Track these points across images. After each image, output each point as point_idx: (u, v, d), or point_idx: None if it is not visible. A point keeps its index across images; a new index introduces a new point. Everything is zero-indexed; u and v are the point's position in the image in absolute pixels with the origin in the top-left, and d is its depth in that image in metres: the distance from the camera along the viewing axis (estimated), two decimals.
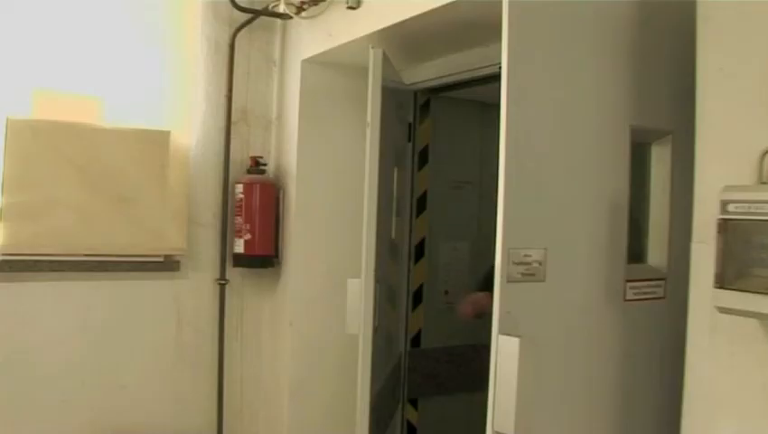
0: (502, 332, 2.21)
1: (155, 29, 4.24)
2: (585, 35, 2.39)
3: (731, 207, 1.92)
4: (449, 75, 3.97)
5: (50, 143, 3.92)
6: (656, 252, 2.56)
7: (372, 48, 3.47)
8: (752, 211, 1.88)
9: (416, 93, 4.34)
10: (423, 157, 4.44)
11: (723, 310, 1.93)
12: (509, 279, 2.24)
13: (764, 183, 1.94)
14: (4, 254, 3.87)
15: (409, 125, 4.38)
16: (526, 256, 2.28)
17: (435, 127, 4.45)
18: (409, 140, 4.37)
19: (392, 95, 3.87)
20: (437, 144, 4.44)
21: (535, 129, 2.30)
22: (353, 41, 3.79)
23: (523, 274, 2.28)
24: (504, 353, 2.19)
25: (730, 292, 1.90)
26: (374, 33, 3.62)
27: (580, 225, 2.38)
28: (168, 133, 4.25)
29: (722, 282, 1.93)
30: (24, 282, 3.97)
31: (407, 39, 3.70)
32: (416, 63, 4.13)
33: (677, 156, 2.46)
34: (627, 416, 2.46)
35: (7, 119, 3.82)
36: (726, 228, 1.92)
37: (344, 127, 4.35)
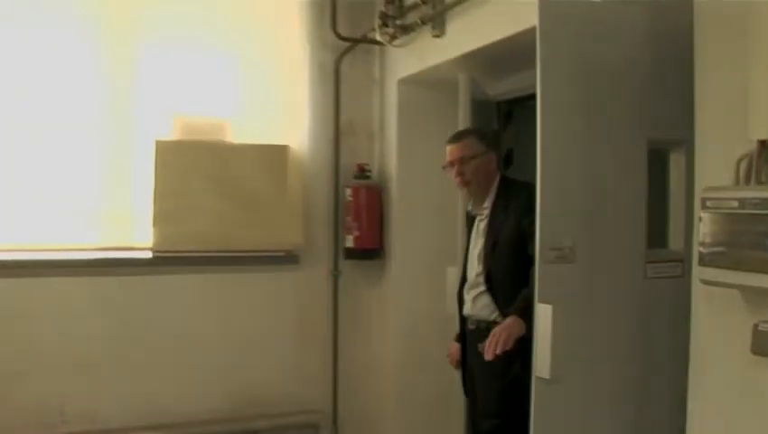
0: (540, 301, 2.77)
1: (271, 59, 4.97)
2: (606, 62, 2.90)
3: (708, 203, 2.40)
4: (527, 87, 4.47)
5: (189, 159, 4.71)
6: (675, 238, 3.03)
7: (460, 74, 4.07)
8: (722, 206, 2.35)
9: (498, 103, 4.85)
10: (507, 160, 4.93)
11: (704, 282, 2.41)
12: (545, 261, 2.80)
13: (737, 183, 2.39)
14: (156, 251, 4.70)
15: (495, 131, 4.89)
16: (559, 243, 2.83)
17: (518, 133, 4.94)
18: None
19: (478, 107, 4.46)
20: (519, 148, 4.94)
21: (565, 143, 2.84)
22: (440, 63, 4.37)
23: (557, 257, 2.83)
24: (541, 316, 2.77)
25: (708, 268, 2.38)
26: (458, 58, 4.19)
27: (604, 218, 2.89)
28: (286, 147, 4.96)
29: (702, 261, 2.41)
30: (172, 274, 4.79)
31: (487, 60, 4.23)
32: (498, 77, 4.65)
33: (690, 160, 2.91)
34: (644, 370, 2.95)
35: (156, 141, 4.64)
36: (704, 220, 2.40)
37: (437, 136, 4.87)
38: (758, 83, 2.29)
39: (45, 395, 4.49)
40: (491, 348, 3.14)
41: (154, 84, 4.72)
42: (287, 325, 5.02)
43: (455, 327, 3.88)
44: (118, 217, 4.70)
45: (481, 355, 3.25)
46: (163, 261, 4.77)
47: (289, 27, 5.00)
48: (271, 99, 4.99)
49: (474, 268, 3.61)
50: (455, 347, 3.83)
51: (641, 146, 2.95)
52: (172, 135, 4.72)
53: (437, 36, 4.28)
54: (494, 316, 3.45)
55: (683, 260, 2.96)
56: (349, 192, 5.06)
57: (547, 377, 2.74)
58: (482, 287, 3.52)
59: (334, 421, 5.13)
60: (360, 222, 5.01)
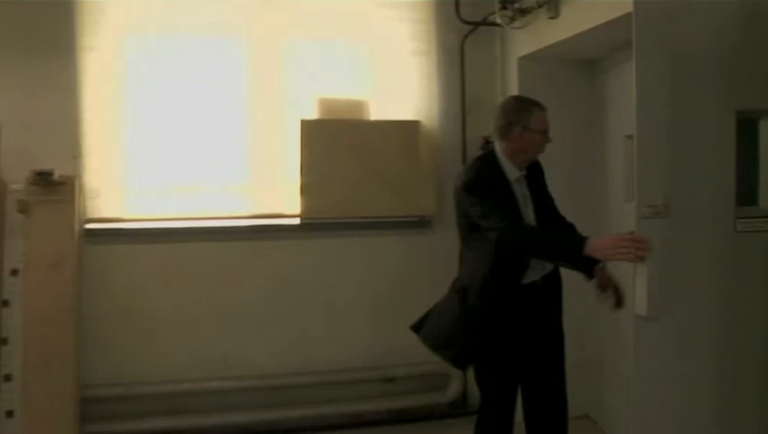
0: None
1: (402, 43, 5.48)
2: (696, 38, 3.26)
3: None
4: None
5: (331, 136, 5.27)
6: (765, 197, 3.37)
7: None
8: None
9: None
10: None
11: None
12: (642, 216, 3.22)
13: None
14: (304, 218, 5.31)
15: None
16: (654, 201, 3.23)
17: None
18: None
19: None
20: None
21: (659, 113, 3.23)
22: (556, 42, 4.75)
23: (652, 213, 3.23)
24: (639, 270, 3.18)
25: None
26: (572, 37, 4.56)
27: (695, 180, 3.28)
28: (418, 122, 5.46)
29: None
30: (317, 239, 5.41)
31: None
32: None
33: None
34: (730, 309, 3.34)
35: (301, 121, 5.23)
36: None
37: (555, 109, 5.20)
38: None
39: (211, 344, 5.20)
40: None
41: (298, 71, 5.32)
42: (420, 283, 5.48)
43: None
44: (270, 188, 5.34)
45: (552, 301, 3.61)
46: (310, 227, 5.37)
47: (418, 13, 5.48)
48: (403, 79, 5.49)
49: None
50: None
51: (730, 115, 3.30)
52: (315, 115, 5.29)
53: (552, 18, 4.65)
54: (550, 268, 3.57)
55: None
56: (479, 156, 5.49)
57: (644, 315, 3.16)
58: None
59: (464, 370, 5.60)
60: None
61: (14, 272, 4.60)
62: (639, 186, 3.26)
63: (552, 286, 3.62)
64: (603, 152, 5.23)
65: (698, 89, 3.31)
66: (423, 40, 5.50)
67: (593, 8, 4.21)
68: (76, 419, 4.58)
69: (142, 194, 5.10)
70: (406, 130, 5.44)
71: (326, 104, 5.30)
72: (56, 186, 4.65)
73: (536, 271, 3.52)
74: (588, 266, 3.35)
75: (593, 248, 3.06)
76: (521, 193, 3.60)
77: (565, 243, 3.31)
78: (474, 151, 5.49)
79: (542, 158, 5.04)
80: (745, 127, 3.36)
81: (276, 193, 5.35)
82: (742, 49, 3.31)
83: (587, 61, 5.23)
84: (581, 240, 3.14)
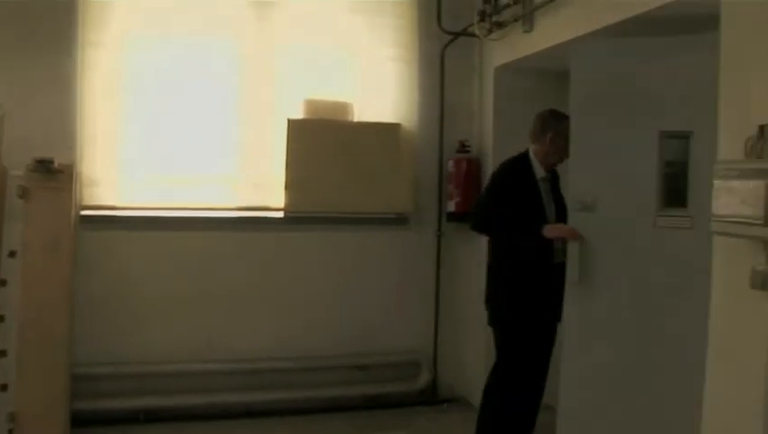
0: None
1: (386, 50, 5.78)
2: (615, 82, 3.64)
3: (719, 172, 3.08)
4: None
5: (316, 135, 5.57)
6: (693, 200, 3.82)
7: None
8: (729, 174, 3.03)
9: None
10: None
11: (716, 233, 3.12)
12: (573, 209, 4.04)
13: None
14: (288, 212, 5.59)
15: None
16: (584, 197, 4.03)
17: None
18: None
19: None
20: None
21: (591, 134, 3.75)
22: (530, 54, 5.06)
23: (581, 207, 4.08)
24: (571, 246, 4.01)
25: (717, 222, 3.08)
26: (544, 50, 4.87)
27: (623, 184, 4.01)
28: (398, 125, 5.77)
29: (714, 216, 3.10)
30: (300, 232, 5.70)
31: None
32: None
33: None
34: (640, 285, 3.94)
35: (288, 120, 5.52)
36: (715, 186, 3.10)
37: (528, 116, 5.52)
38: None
39: (196, 328, 5.47)
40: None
41: (287, 73, 5.62)
42: (396, 277, 5.83)
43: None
44: (257, 183, 5.63)
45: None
46: (293, 221, 5.67)
47: (402, 22, 5.78)
48: (386, 83, 5.80)
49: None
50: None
51: (654, 134, 3.92)
52: (302, 115, 5.57)
53: (527, 31, 4.96)
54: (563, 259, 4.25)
55: (692, 217, 3.78)
56: (451, 164, 5.78)
57: (572, 281, 3.95)
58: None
59: (434, 360, 5.91)
60: (461, 190, 5.71)
61: (12, 254, 4.82)
62: (571, 186, 4.11)
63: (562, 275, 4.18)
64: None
65: (628, 115, 3.99)
66: (406, 47, 5.80)
67: (565, 24, 4.54)
68: (67, 395, 4.82)
69: (136, 184, 5.37)
70: (387, 132, 5.74)
71: (312, 105, 5.59)
72: (55, 174, 4.87)
73: (560, 254, 4.23)
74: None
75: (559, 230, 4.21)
76: (545, 190, 4.40)
77: (528, 232, 4.26)
78: (451, 153, 5.81)
79: None
80: (680, 144, 3.88)
81: (262, 187, 5.64)
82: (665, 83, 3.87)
83: (562, 72, 5.52)
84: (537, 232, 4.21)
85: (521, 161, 4.42)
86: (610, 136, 4.05)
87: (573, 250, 4.10)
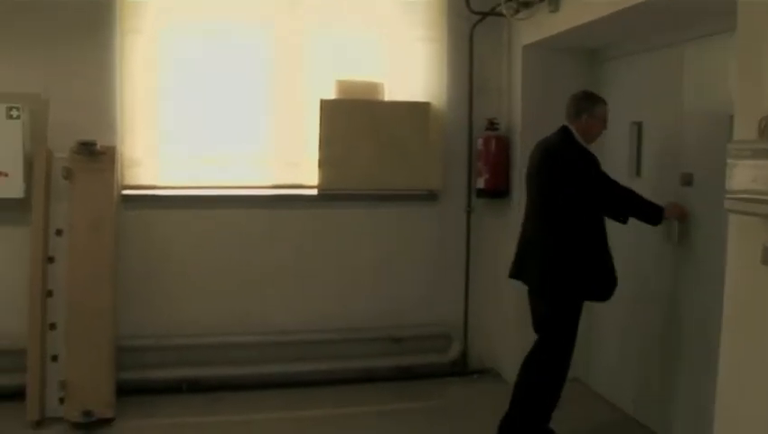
0: None
1: (416, 30, 5.88)
2: None
3: (732, 152, 3.18)
4: None
5: (348, 114, 5.71)
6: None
7: None
8: (740, 153, 3.13)
9: None
10: None
11: (729, 210, 3.22)
12: None
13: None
14: (321, 189, 5.76)
15: None
16: None
17: None
18: None
19: None
20: None
21: None
22: (557, 33, 5.14)
23: None
24: None
25: (730, 201, 3.18)
26: (570, 29, 4.95)
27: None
28: (428, 103, 5.88)
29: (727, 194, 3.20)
30: (333, 209, 5.87)
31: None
32: None
33: None
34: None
35: (321, 100, 5.66)
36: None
37: (555, 94, 5.56)
38: None
39: (234, 302, 5.69)
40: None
41: (319, 55, 5.76)
42: (428, 252, 5.96)
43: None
44: (291, 162, 5.79)
45: None
46: (327, 198, 5.84)
47: (430, 2, 5.88)
48: (416, 63, 5.90)
49: None
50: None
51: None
52: (334, 95, 5.72)
53: (553, 11, 5.03)
54: None
55: None
56: (480, 141, 5.88)
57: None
58: None
59: (465, 333, 6.06)
60: (490, 167, 5.82)
61: (59, 232, 5.07)
62: None
63: None
64: (605, 134, 5.57)
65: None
66: (435, 27, 5.89)
67: (590, 3, 4.59)
68: (112, 366, 5.07)
69: (175, 165, 5.57)
70: (417, 111, 5.85)
71: (344, 85, 5.73)
72: (97, 156, 5.11)
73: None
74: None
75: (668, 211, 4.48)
76: None
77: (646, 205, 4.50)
78: (480, 131, 5.90)
79: (535, 138, 5.53)
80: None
81: (296, 165, 5.80)
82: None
83: (589, 50, 5.62)
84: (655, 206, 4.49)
85: (571, 139, 4.50)
86: None
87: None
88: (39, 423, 4.86)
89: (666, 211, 4.47)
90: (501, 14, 5.52)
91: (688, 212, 4.51)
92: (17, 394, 4.95)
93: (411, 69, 5.90)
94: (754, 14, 3.22)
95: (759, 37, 3.17)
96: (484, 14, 5.79)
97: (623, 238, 5.28)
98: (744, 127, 3.26)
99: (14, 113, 5.04)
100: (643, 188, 4.96)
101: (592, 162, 4.44)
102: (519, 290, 4.79)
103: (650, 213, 4.50)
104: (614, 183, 4.58)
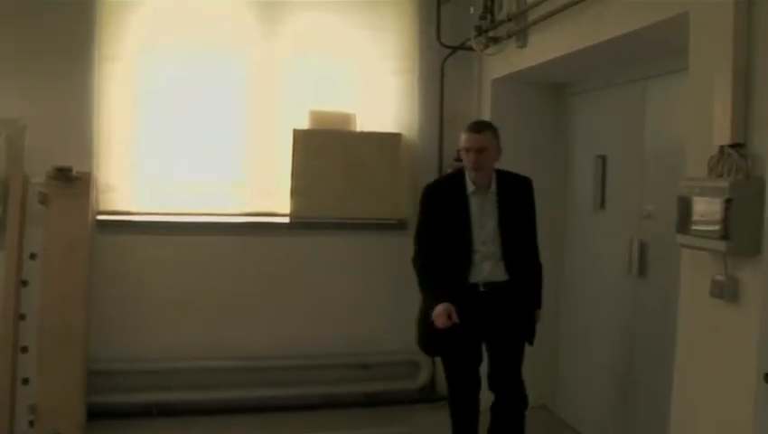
0: None
1: (387, 63, 6.03)
2: None
3: (684, 188, 3.33)
4: None
5: (320, 145, 5.82)
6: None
7: None
8: (691, 190, 3.28)
9: None
10: None
11: (681, 245, 3.37)
12: None
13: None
14: (294, 217, 5.86)
15: None
16: None
17: None
18: None
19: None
20: None
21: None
22: (525, 68, 5.30)
23: None
24: None
25: (682, 236, 3.32)
26: (537, 65, 5.12)
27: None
28: (399, 135, 6.01)
29: (679, 229, 3.35)
30: (306, 237, 5.96)
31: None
32: None
33: None
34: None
35: (293, 130, 5.78)
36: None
37: (524, 126, 5.80)
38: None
39: (205, 328, 5.74)
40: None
41: (293, 85, 5.89)
42: (396, 279, 5.97)
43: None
44: (264, 190, 5.89)
45: (496, 304, 4.14)
46: (298, 226, 5.93)
47: (403, 36, 6.04)
48: (388, 95, 6.04)
49: (490, 240, 4.17)
50: (447, 306, 4.04)
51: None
52: (307, 125, 5.84)
53: (521, 47, 5.21)
54: (506, 277, 4.18)
55: None
56: (450, 171, 6.02)
57: None
58: (500, 258, 4.18)
59: (433, 360, 6.01)
60: None
61: (33, 256, 5.11)
62: None
63: (499, 294, 4.17)
64: (569, 168, 5.78)
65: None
66: (407, 60, 6.05)
67: (556, 41, 4.77)
68: (84, 389, 5.11)
69: (150, 191, 5.66)
70: (388, 141, 5.98)
71: (317, 116, 5.86)
72: (73, 181, 5.17)
73: (478, 273, 4.18)
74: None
75: (435, 312, 4.04)
76: (479, 205, 4.22)
77: (430, 295, 4.17)
78: (450, 161, 6.03)
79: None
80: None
81: (268, 194, 5.90)
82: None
83: (556, 84, 5.79)
84: (437, 301, 4.07)
85: (454, 175, 4.46)
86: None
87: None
88: None
89: (435, 312, 4.05)
90: (470, 49, 5.66)
91: (451, 320, 4.02)
92: None
93: (383, 100, 6.04)
94: (704, 54, 3.39)
95: (709, 76, 3.33)
96: (455, 48, 5.95)
97: (585, 267, 5.47)
98: (695, 164, 3.42)
99: None
100: (608, 220, 5.15)
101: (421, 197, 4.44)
102: None
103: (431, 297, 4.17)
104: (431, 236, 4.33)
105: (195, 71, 5.73)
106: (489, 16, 5.41)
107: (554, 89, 5.82)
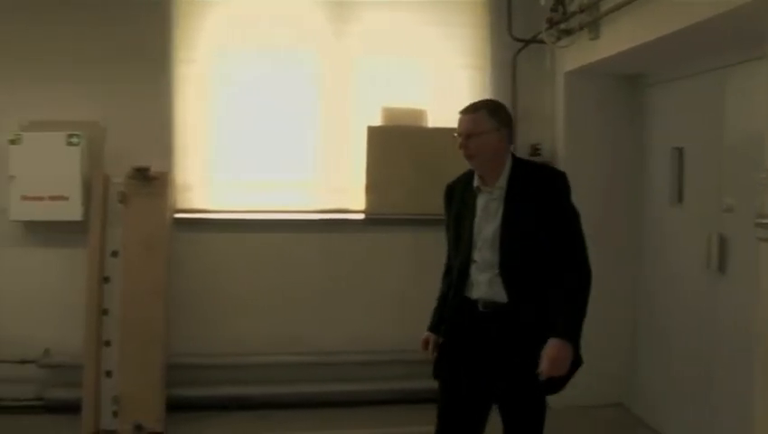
0: None
1: (459, 58, 6.02)
2: None
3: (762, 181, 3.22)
4: None
5: (393, 141, 5.85)
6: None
7: None
8: None
9: None
10: None
11: (760, 239, 3.26)
12: None
13: None
14: (368, 214, 5.90)
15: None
16: None
17: None
18: None
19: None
20: None
21: None
22: (597, 60, 5.21)
23: None
24: None
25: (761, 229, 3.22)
26: (611, 56, 5.01)
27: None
28: None
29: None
30: (380, 233, 5.99)
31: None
32: None
33: None
34: None
35: (367, 127, 5.83)
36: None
37: (599, 120, 5.73)
38: None
39: (279, 323, 5.86)
40: (549, 372, 3.06)
41: (366, 83, 5.95)
42: None
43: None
44: (338, 187, 5.97)
45: (499, 333, 3.19)
46: (373, 222, 5.96)
47: (474, 31, 6.02)
48: (459, 90, 5.99)
49: (487, 247, 3.27)
50: (427, 336, 3.62)
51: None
52: (380, 122, 5.88)
53: (593, 39, 5.11)
54: (506, 299, 3.21)
55: None
56: None
57: None
58: (497, 270, 3.22)
59: None
60: None
61: (114, 253, 5.32)
62: None
63: (501, 320, 3.22)
64: (644, 160, 5.66)
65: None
66: (478, 55, 6.03)
67: (629, 30, 4.66)
68: (163, 382, 5.28)
69: (224, 189, 5.82)
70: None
71: (389, 112, 5.89)
72: (151, 180, 5.36)
73: (476, 288, 3.30)
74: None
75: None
76: (484, 204, 3.35)
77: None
78: (523, 156, 5.93)
79: (582, 165, 5.61)
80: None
81: (342, 190, 5.98)
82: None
83: (630, 76, 5.67)
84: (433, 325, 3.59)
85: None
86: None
87: None
88: None
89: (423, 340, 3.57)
90: (542, 42, 5.59)
91: (430, 349, 3.55)
92: (74, 407, 5.20)
93: (455, 96, 5.98)
94: None
95: None
96: (526, 42, 5.89)
97: (662, 262, 5.34)
98: None
99: (74, 140, 5.35)
100: (686, 215, 5.01)
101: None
102: None
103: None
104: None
105: (268, 71, 5.84)
106: (560, 8, 5.34)
107: (628, 80, 5.70)
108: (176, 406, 5.39)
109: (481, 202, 3.37)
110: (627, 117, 5.75)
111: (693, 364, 4.92)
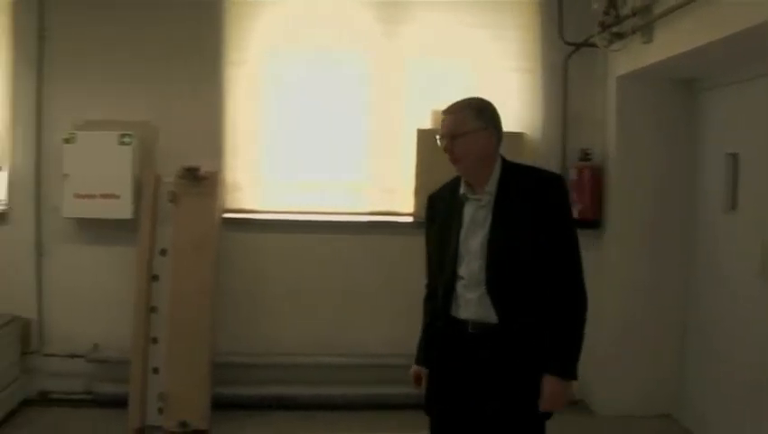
0: None
1: (510, 62, 5.98)
2: None
3: None
4: None
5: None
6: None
7: None
8: None
9: None
10: None
11: None
12: None
13: None
14: (417, 217, 5.83)
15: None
16: None
17: None
18: None
19: None
20: None
21: None
22: (650, 64, 5.12)
23: None
24: None
25: None
26: (664, 60, 4.92)
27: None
28: (522, 134, 5.94)
29: None
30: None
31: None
32: None
33: None
34: None
35: (417, 130, 5.82)
36: None
37: (651, 124, 5.63)
38: None
39: (326, 324, 5.89)
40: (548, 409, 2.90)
41: (416, 85, 5.94)
42: None
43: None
44: (386, 189, 5.98)
45: (491, 357, 2.90)
46: (421, 225, 5.76)
47: (525, 34, 5.98)
48: (510, 94, 5.97)
49: (473, 260, 2.97)
50: (416, 370, 3.25)
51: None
52: (430, 125, 5.85)
53: (646, 42, 5.03)
54: (495, 319, 2.92)
55: None
56: (574, 171, 5.88)
57: None
58: (485, 287, 2.93)
59: None
60: (583, 197, 5.80)
61: (163, 252, 5.39)
62: None
63: (492, 344, 2.93)
64: (698, 166, 5.55)
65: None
66: (529, 58, 5.98)
67: (683, 34, 4.56)
68: (209, 380, 5.32)
69: (273, 190, 5.87)
70: (510, 141, 5.76)
71: (439, 115, 5.83)
72: (201, 180, 5.42)
73: (465, 308, 2.99)
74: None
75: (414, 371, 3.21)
76: (472, 213, 3.05)
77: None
78: (573, 161, 5.92)
79: (633, 170, 5.53)
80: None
81: (390, 193, 5.98)
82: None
83: (684, 80, 5.57)
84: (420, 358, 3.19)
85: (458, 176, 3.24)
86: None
87: None
88: (140, 431, 5.18)
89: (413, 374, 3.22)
90: (594, 45, 5.53)
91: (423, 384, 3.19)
92: (121, 402, 5.27)
93: (505, 99, 5.92)
94: None
95: None
96: (578, 46, 5.83)
97: (714, 270, 5.23)
98: None
99: (126, 139, 5.43)
100: (740, 221, 4.90)
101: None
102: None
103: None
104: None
105: (317, 72, 5.89)
106: (613, 11, 5.24)
107: (682, 84, 5.60)
108: (220, 404, 5.43)
109: (468, 211, 3.06)
110: (680, 121, 5.64)
111: (745, 374, 4.80)
